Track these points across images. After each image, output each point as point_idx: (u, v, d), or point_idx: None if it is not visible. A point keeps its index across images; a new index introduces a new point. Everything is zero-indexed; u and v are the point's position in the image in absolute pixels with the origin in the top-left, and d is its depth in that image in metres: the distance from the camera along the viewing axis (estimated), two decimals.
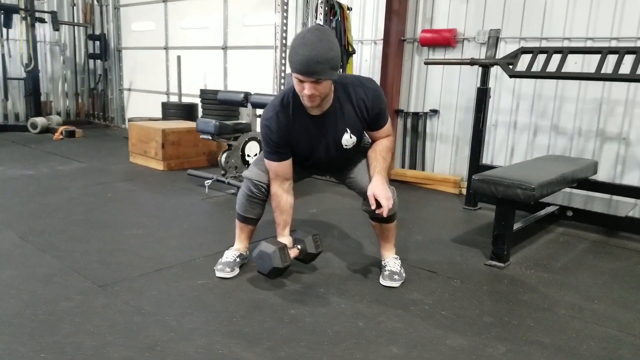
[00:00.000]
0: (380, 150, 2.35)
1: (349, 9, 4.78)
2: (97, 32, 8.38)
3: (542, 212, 3.35)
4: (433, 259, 2.81)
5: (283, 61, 4.31)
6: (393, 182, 4.78)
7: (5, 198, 3.69)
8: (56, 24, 6.88)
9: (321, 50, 1.95)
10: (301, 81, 2.02)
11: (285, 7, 4.22)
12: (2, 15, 6.60)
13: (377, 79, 5.03)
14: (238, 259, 2.51)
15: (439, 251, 2.95)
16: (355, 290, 2.36)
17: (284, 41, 4.27)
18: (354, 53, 4.88)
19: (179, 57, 6.67)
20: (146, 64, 7.96)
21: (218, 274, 2.43)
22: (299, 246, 2.42)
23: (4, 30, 6.97)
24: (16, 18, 6.81)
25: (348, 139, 2.28)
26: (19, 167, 4.75)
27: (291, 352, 1.81)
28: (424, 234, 3.26)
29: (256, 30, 6.25)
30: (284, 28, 4.26)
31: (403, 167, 5.12)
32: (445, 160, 4.87)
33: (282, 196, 2.36)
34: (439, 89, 4.81)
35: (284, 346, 1.84)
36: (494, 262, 2.75)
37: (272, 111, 2.23)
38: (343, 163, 2.45)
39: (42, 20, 6.99)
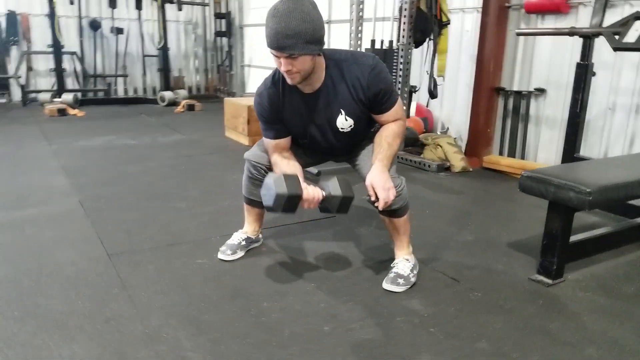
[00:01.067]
0: (387, 135, 2.05)
1: None
2: (223, 10, 8.82)
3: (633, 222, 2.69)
4: (467, 264, 2.42)
5: (359, 35, 4.05)
6: (485, 170, 4.28)
7: (93, 164, 4.08)
8: (180, 4, 7.37)
9: (291, 22, 1.73)
10: (276, 56, 1.83)
11: None
12: None
13: (473, 52, 4.50)
14: (244, 242, 2.43)
15: (483, 256, 2.53)
16: (349, 290, 2.12)
17: (360, 14, 3.99)
18: (449, 23, 4.40)
19: None
20: (264, 41, 8.17)
21: (219, 255, 2.38)
22: (322, 191, 1.96)
23: (138, 11, 7.68)
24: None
25: (344, 122, 2.03)
26: (126, 137, 5.22)
27: (232, 347, 1.68)
28: (480, 233, 2.83)
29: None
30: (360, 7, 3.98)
31: (501, 154, 4.54)
32: (551, 149, 4.19)
33: (283, 161, 2.11)
34: (547, 64, 4.12)
35: (229, 340, 1.72)
36: (540, 277, 2.28)
37: (263, 87, 2.08)
38: (349, 147, 2.20)
39: (170, 1, 7.53)
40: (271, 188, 1.83)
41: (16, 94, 7.56)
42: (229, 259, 2.36)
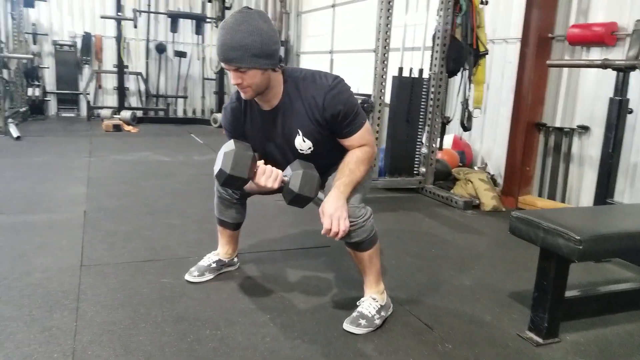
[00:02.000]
0: (349, 161, 1.91)
1: (483, 2, 4.08)
2: (283, 38, 9.00)
3: None
4: (451, 311, 2.17)
5: (385, 62, 3.91)
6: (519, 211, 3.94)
7: (115, 177, 4.20)
8: None
9: (237, 35, 1.66)
10: (226, 69, 1.77)
11: (389, 4, 3.81)
12: (194, 24, 7.59)
13: (511, 84, 4.22)
14: (214, 264, 2.34)
15: (473, 304, 2.26)
16: (305, 327, 1.95)
17: (386, 41, 3.87)
18: (487, 53, 4.16)
19: (331, 61, 6.71)
20: (317, 68, 8.22)
21: (186, 276, 2.30)
22: (285, 176, 1.88)
23: (198, 36, 8.03)
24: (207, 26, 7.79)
25: (301, 143, 1.91)
26: (161, 154, 5.36)
27: None
28: (481, 279, 2.56)
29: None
30: (387, 27, 3.85)
31: (540, 195, 4.18)
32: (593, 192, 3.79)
33: None
34: (592, 100, 3.77)
35: None
36: (530, 335, 1.99)
37: (229, 102, 2.02)
38: (324, 170, 2.05)
39: None
40: (219, 162, 1.79)
41: (84, 109, 8.06)
42: (195, 281, 2.27)
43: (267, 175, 1.84)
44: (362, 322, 1.95)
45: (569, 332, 2.01)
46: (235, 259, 2.44)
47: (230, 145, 1.81)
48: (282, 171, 1.89)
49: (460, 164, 4.70)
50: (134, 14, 6.92)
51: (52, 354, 1.66)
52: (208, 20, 7.71)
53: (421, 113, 4.21)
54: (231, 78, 1.78)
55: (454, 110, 4.33)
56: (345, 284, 2.36)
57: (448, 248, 2.99)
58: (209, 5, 8.00)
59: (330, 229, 1.81)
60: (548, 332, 1.95)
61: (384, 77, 3.98)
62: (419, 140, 4.28)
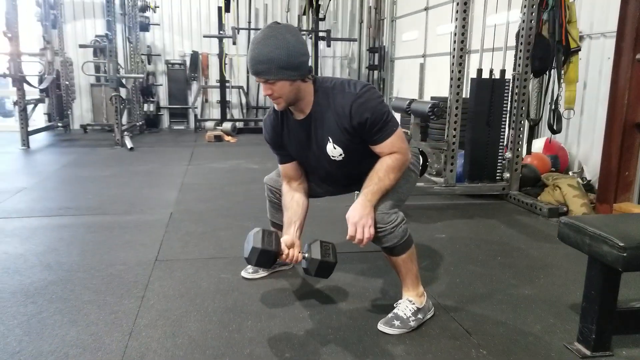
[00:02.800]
0: (379, 169, 1.93)
1: None
2: (376, 44, 9.09)
3: None
4: (498, 320, 2.09)
5: (461, 64, 3.83)
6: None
7: (207, 183, 4.56)
8: (329, 41, 7.83)
9: (264, 49, 1.78)
10: (257, 81, 1.90)
11: (465, 8, 3.73)
12: None
13: (606, 82, 3.90)
14: None
15: (527, 313, 2.16)
16: (340, 324, 2.02)
17: (461, 45, 3.79)
18: (579, 50, 3.89)
19: (421, 65, 6.64)
20: (410, 73, 8.20)
21: (242, 272, 2.47)
22: (305, 253, 1.96)
23: None
24: None
25: (332, 150, 1.97)
26: (253, 162, 5.69)
27: (191, 354, 1.75)
28: (544, 289, 2.42)
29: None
30: (462, 30, 3.77)
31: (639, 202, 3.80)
32: None
33: (289, 193, 2.17)
34: None
35: (192, 347, 1.79)
36: (578, 346, 1.87)
37: (267, 113, 2.15)
38: (356, 177, 2.09)
39: (322, 38, 8.06)
40: (250, 242, 1.87)
41: (192, 121, 8.79)
42: (249, 277, 2.44)
43: (291, 259, 1.96)
44: (396, 323, 1.96)
45: (626, 347, 1.86)
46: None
47: (254, 230, 1.90)
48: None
49: (553, 169, 4.42)
50: (232, 32, 7.43)
51: (113, 333, 1.90)
52: (303, 33, 8.02)
53: (503, 115, 4.05)
54: (262, 90, 1.91)
55: (541, 112, 4.11)
56: (394, 288, 2.36)
57: (517, 257, 2.86)
58: (304, 18, 8.35)
59: (355, 236, 1.86)
60: (597, 345, 1.82)
61: (460, 79, 3.90)
62: (501, 144, 4.11)
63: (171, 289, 2.31)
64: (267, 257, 1.87)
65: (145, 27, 8.12)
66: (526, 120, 4.09)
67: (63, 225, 3.20)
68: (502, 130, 4.06)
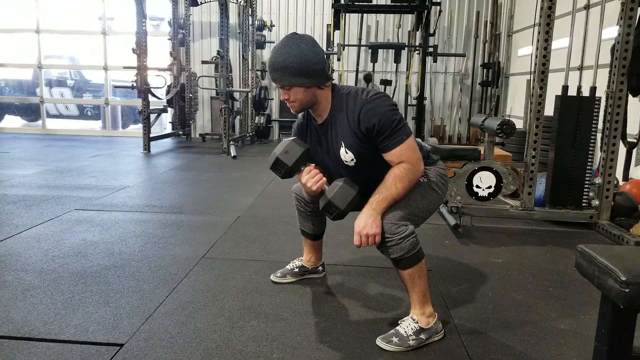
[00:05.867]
0: (387, 178, 1.94)
1: None
2: (491, 60, 8.71)
3: None
4: (511, 351, 1.94)
5: (543, 81, 3.58)
6: None
7: (285, 192, 4.71)
8: (435, 56, 7.69)
9: (280, 57, 1.90)
10: (276, 86, 2.03)
11: (547, 29, 3.48)
12: (393, 52, 7.96)
13: None
14: (297, 269, 2.57)
15: (550, 348, 1.97)
16: (342, 334, 2.03)
17: (545, 57, 3.55)
18: None
19: (528, 81, 6.25)
20: (524, 90, 7.73)
21: (271, 276, 2.58)
22: (325, 186, 2.04)
23: (396, 64, 8.37)
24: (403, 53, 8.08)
25: (345, 154, 2.01)
26: None
27: (187, 347, 1.90)
28: (583, 326, 2.17)
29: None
30: (545, 44, 3.53)
31: None
32: None
33: None
34: None
35: (189, 335, 1.94)
36: None
37: (297, 119, 2.26)
38: (372, 185, 2.09)
39: (430, 54, 7.95)
40: (275, 151, 2.03)
41: None
42: (276, 281, 2.54)
43: (311, 176, 2.03)
44: (395, 339, 1.93)
45: None
46: (320, 268, 2.62)
47: (290, 138, 2.08)
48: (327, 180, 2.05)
49: None
50: (337, 49, 7.66)
51: (134, 316, 2.11)
52: (411, 48, 8.00)
53: (592, 137, 3.69)
54: (280, 95, 2.03)
55: None
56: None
57: (573, 290, 2.60)
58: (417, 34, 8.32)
59: (360, 245, 1.88)
60: None
61: (542, 97, 3.64)
62: (589, 168, 3.74)
63: (202, 284, 2.50)
64: (281, 167, 2.03)
65: (260, 45, 8.71)
66: (621, 143, 3.68)
67: (141, 220, 3.60)
68: (591, 153, 3.70)
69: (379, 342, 1.95)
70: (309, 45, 1.93)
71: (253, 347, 1.91)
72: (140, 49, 6.70)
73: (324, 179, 2.05)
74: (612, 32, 3.66)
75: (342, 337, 2.01)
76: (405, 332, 1.94)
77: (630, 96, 3.63)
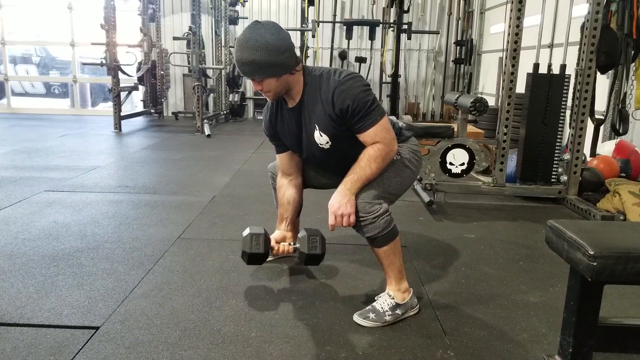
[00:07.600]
0: (361, 159, 1.95)
1: None
2: (464, 37, 8.75)
3: None
4: (483, 323, 2.00)
5: (515, 58, 3.62)
6: None
7: (262, 171, 4.72)
8: (409, 33, 7.69)
9: (245, 52, 1.85)
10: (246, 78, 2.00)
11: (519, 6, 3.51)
12: (368, 29, 7.93)
13: None
14: None
15: (520, 321, 2.04)
16: (320, 310, 2.06)
17: (514, 44, 3.58)
18: None
19: (500, 58, 6.30)
20: (496, 67, 7.80)
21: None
22: (294, 244, 2.23)
23: (371, 42, 8.34)
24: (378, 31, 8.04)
25: (319, 137, 2.01)
26: None
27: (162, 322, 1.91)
28: (553, 298, 2.25)
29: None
30: (516, 29, 3.55)
31: None
32: None
33: (281, 188, 2.34)
34: None
35: (149, 308, 1.95)
36: (557, 359, 1.75)
37: (266, 105, 2.23)
38: (345, 167, 2.11)
39: (404, 31, 7.93)
40: (243, 244, 2.14)
41: None
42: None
43: (282, 251, 2.24)
44: (371, 315, 1.96)
45: None
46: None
47: (247, 231, 2.15)
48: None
49: (623, 175, 4.02)
50: (312, 25, 7.58)
51: (109, 299, 2.09)
52: (385, 25, 7.95)
53: (561, 114, 3.76)
54: (252, 86, 2.00)
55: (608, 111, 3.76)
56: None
57: (542, 263, 2.68)
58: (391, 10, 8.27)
59: (335, 225, 1.90)
60: (573, 359, 1.68)
61: (513, 74, 3.69)
62: (558, 144, 3.82)
63: (178, 264, 2.49)
64: (256, 258, 2.15)
65: (234, 21, 8.54)
66: (589, 120, 3.77)
67: (114, 201, 3.54)
68: (560, 129, 3.77)
69: (356, 318, 1.98)
70: (273, 34, 1.86)
71: (231, 327, 1.92)
72: (109, 25, 6.50)
73: (290, 244, 2.24)
74: (582, 10, 3.71)
75: (320, 314, 2.04)
76: (382, 308, 1.98)
77: (598, 74, 3.71)
